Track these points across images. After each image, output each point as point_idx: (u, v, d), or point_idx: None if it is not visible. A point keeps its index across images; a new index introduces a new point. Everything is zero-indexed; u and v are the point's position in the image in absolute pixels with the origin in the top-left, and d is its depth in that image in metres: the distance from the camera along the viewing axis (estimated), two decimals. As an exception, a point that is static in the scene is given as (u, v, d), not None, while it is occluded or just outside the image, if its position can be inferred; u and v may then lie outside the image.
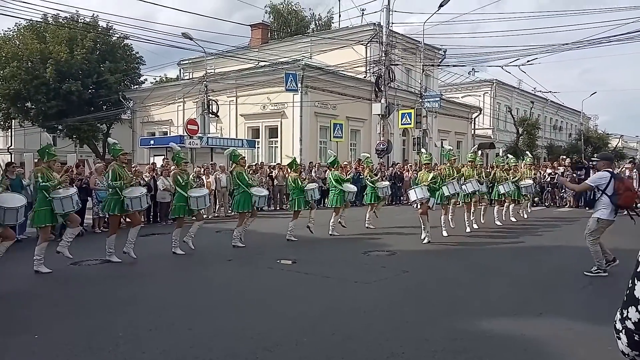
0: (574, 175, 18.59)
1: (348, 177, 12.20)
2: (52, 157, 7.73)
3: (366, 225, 12.39)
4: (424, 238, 9.99)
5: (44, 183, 7.42)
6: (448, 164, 11.71)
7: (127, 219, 9.43)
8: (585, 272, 7.15)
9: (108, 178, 8.29)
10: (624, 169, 16.75)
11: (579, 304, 5.85)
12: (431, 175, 10.18)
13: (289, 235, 10.47)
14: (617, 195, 6.85)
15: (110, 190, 8.46)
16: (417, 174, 12.27)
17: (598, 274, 7.08)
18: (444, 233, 10.90)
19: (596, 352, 4.31)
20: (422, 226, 10.11)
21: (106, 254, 8.37)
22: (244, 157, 11.08)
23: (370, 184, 12.49)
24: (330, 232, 11.26)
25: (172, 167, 13.49)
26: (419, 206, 10.12)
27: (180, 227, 9.23)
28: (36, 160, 13.40)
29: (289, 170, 11.40)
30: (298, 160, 22.09)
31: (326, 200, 15.82)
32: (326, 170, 18.56)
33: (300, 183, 10.68)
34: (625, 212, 7.14)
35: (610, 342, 4.36)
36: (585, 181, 7.82)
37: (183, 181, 9.20)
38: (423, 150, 14.20)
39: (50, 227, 7.83)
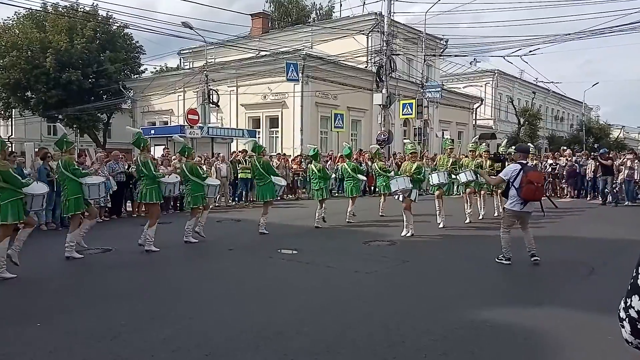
0: (574, 166, 18.59)
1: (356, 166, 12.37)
2: (71, 145, 8.03)
3: (380, 214, 12.78)
4: (408, 233, 9.69)
5: (84, 171, 7.79)
6: (445, 154, 11.73)
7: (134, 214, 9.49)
8: (496, 259, 7.33)
9: (150, 170, 8.42)
10: (625, 159, 16.71)
11: (579, 294, 5.86)
12: (415, 165, 9.78)
13: (318, 222, 10.98)
14: (521, 188, 6.85)
15: (142, 180, 8.57)
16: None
17: (501, 262, 7.20)
18: (440, 224, 10.80)
19: (597, 342, 4.33)
20: (405, 222, 9.76)
21: (145, 244, 8.37)
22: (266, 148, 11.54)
23: (385, 174, 12.62)
24: (347, 220, 11.64)
25: (174, 158, 13.57)
26: (400, 198, 9.76)
27: (195, 217, 9.34)
28: (36, 150, 13.42)
29: (312, 160, 11.84)
30: (298, 151, 22.07)
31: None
32: (327, 160, 18.62)
33: (327, 173, 11.47)
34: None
35: (611, 331, 4.37)
36: (499, 174, 7.70)
37: (203, 172, 9.49)
38: (406, 140, 14.21)
39: (80, 214, 8.01)
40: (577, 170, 18.40)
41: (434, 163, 14.10)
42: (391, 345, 4.25)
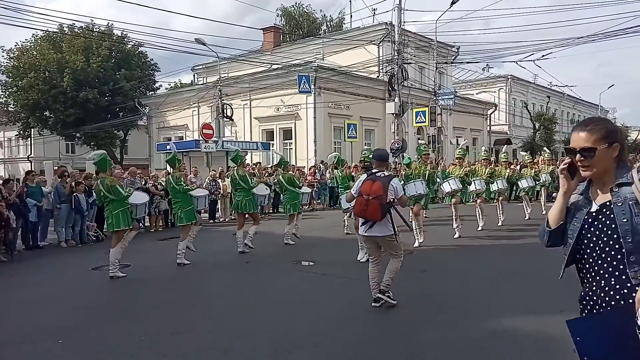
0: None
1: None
2: (181, 163, 8.95)
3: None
4: (362, 257, 8.25)
5: (186, 187, 8.67)
6: (420, 160, 10.31)
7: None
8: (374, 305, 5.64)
9: (248, 182, 9.38)
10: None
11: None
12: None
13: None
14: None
15: (240, 192, 9.46)
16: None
17: (388, 300, 5.59)
18: (416, 243, 9.53)
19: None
20: (360, 245, 8.43)
21: (239, 247, 9.37)
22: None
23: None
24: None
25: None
26: (352, 215, 8.55)
27: (293, 222, 10.29)
28: (55, 168, 13.63)
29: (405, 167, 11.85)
30: (312, 162, 22.08)
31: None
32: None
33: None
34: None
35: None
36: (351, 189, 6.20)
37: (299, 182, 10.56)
38: (366, 147, 13.43)
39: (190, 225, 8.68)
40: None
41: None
42: (411, 356, 4.22)
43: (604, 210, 2.03)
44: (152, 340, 4.79)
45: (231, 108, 25.10)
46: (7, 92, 32.34)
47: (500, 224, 12.11)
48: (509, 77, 41.48)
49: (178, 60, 74.28)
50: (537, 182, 14.09)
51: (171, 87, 39.98)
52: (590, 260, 2.06)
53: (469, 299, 6.00)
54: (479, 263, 8.20)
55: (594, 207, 2.07)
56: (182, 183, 8.55)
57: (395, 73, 24.37)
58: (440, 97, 26.78)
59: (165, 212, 13.82)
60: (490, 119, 37.14)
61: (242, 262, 8.69)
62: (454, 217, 10.58)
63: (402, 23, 24.36)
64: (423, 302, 5.92)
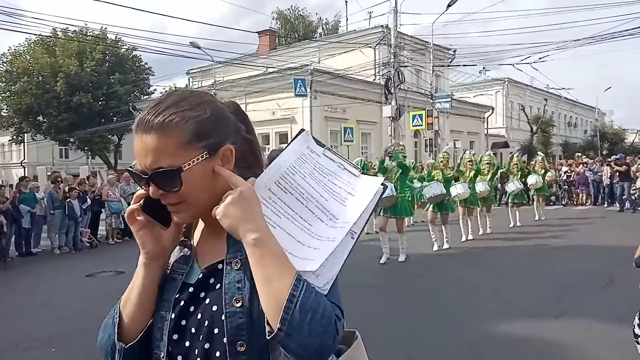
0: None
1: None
2: None
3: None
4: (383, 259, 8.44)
5: None
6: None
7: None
8: None
9: None
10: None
11: (598, 305, 5.70)
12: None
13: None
14: None
15: None
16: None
17: None
18: (435, 247, 9.58)
19: (619, 354, 4.19)
20: (384, 247, 8.52)
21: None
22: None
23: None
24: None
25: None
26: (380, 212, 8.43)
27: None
28: (49, 174, 13.52)
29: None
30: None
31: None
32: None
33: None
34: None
35: (634, 343, 4.18)
36: None
37: None
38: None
39: None
40: (592, 178, 18.17)
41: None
42: (408, 363, 4.15)
43: (211, 280, 0.99)
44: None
45: (227, 112, 25.05)
46: (0, 97, 32.18)
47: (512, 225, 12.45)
48: (506, 80, 41.57)
49: (173, 64, 74.32)
50: (528, 185, 13.63)
51: (166, 91, 39.73)
52: None
53: (466, 303, 5.94)
54: (476, 267, 8.14)
55: (195, 275, 1.02)
56: None
57: (391, 76, 24.37)
58: (437, 100, 26.78)
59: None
60: (487, 122, 37.17)
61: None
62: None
63: (399, 26, 24.39)
64: (420, 307, 5.86)
